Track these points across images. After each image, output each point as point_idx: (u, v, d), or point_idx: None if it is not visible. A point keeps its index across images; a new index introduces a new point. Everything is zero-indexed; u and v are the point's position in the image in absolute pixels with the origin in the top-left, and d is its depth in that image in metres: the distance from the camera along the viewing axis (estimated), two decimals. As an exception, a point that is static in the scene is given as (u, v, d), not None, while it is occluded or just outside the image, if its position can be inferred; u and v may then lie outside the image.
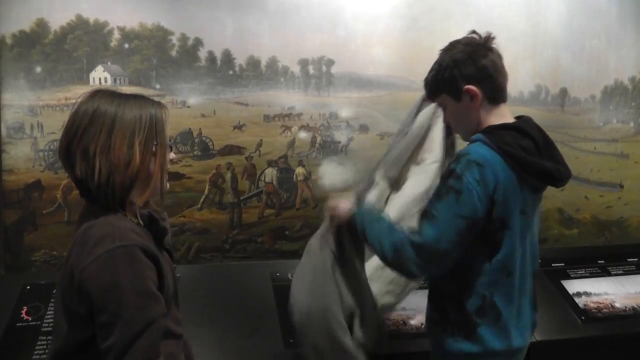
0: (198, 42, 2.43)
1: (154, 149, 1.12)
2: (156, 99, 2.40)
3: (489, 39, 1.43)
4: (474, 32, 1.45)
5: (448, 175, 1.35)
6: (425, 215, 1.37)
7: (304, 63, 2.58)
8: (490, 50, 1.42)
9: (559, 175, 1.38)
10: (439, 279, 1.49)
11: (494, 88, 1.42)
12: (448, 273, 1.42)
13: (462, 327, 1.42)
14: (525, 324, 1.48)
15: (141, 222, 1.13)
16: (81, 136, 1.07)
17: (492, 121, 1.41)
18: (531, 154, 1.36)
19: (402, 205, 1.52)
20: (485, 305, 1.40)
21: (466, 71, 1.40)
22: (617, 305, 2.44)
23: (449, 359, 1.48)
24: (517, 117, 1.48)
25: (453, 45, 1.45)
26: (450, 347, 1.44)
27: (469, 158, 1.33)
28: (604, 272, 2.67)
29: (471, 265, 1.40)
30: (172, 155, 1.21)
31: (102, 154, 1.06)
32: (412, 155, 1.59)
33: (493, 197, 1.31)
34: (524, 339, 1.47)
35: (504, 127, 1.39)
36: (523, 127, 1.40)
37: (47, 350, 1.89)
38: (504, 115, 1.44)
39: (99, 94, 1.13)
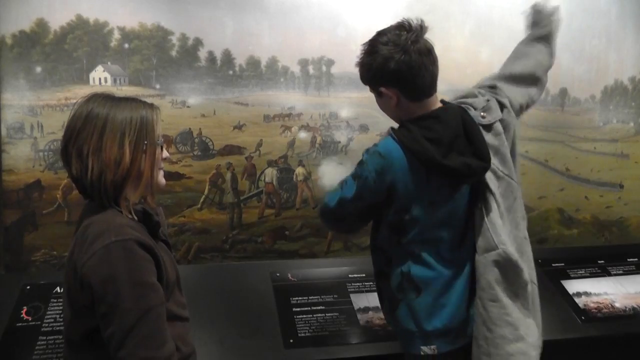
0: (198, 42, 2.43)
1: (144, 148, 1.19)
2: (156, 99, 2.45)
3: (416, 34, 1.40)
4: (403, 23, 1.44)
5: (360, 162, 1.47)
6: (340, 183, 1.53)
7: (304, 63, 2.58)
8: (409, 49, 1.37)
9: (467, 171, 1.39)
10: (373, 254, 1.64)
11: (412, 88, 1.41)
12: (375, 251, 1.61)
13: (390, 303, 1.55)
14: (458, 305, 1.50)
15: (135, 217, 1.20)
16: (76, 137, 1.16)
17: (417, 113, 1.45)
18: (441, 145, 1.38)
19: None
20: (404, 281, 1.49)
21: (380, 74, 1.41)
22: (617, 305, 2.44)
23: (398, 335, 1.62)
24: (443, 104, 1.50)
25: (372, 44, 1.44)
26: (394, 325, 1.59)
27: (376, 149, 1.43)
28: (604, 272, 2.67)
29: (388, 244, 1.53)
30: (165, 153, 1.28)
31: (95, 154, 1.14)
32: None
33: (390, 188, 1.41)
34: (451, 320, 1.49)
35: (419, 118, 1.43)
36: (441, 115, 1.43)
37: (47, 350, 1.90)
38: (430, 108, 1.45)
39: (94, 97, 1.20)
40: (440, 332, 1.49)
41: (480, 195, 1.50)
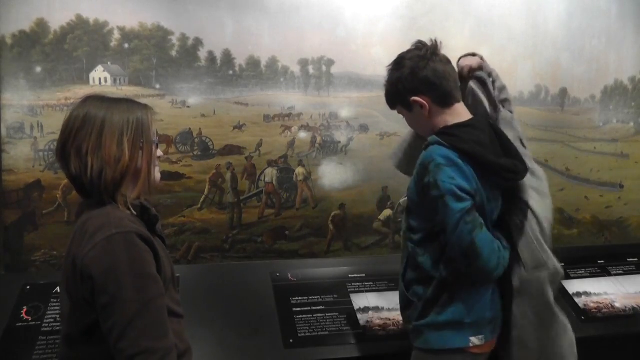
0: (198, 42, 2.43)
1: (141, 146, 1.22)
2: (156, 99, 2.45)
3: (434, 47, 1.53)
4: (419, 42, 1.56)
5: (427, 190, 1.44)
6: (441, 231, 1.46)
7: (304, 63, 2.58)
8: (432, 59, 1.50)
9: (515, 169, 1.49)
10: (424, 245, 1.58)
11: (441, 94, 1.52)
12: (432, 241, 1.54)
13: (442, 296, 1.55)
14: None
15: (134, 212, 1.22)
16: (74, 137, 1.18)
17: (449, 121, 1.53)
18: (485, 147, 1.46)
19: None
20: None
21: (410, 85, 1.52)
22: (617, 305, 2.44)
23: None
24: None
25: (398, 61, 1.57)
26: (437, 321, 1.55)
27: (435, 163, 1.43)
28: (604, 272, 2.67)
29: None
30: (159, 152, 1.32)
31: (94, 152, 1.17)
32: None
33: (471, 187, 1.42)
34: (498, 308, 1.60)
35: (459, 125, 1.51)
36: (476, 124, 1.52)
37: (47, 350, 1.90)
38: (459, 114, 1.54)
39: (90, 99, 1.23)
40: (491, 319, 1.56)
41: (517, 209, 1.59)
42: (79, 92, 2.32)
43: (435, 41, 1.54)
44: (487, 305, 1.55)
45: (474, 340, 1.52)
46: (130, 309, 1.07)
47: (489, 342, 1.57)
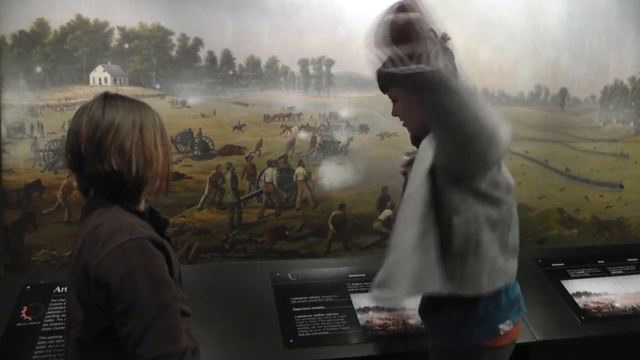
0: (198, 42, 2.43)
1: (163, 149, 1.23)
2: (156, 99, 2.45)
3: (444, 39, 1.49)
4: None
5: None
6: None
7: (304, 63, 2.58)
8: (446, 50, 1.48)
9: None
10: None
11: None
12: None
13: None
14: None
15: (145, 215, 1.23)
16: (115, 133, 1.16)
17: None
18: None
19: None
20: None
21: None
22: (617, 305, 2.44)
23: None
24: None
25: None
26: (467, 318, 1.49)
27: None
28: (604, 272, 2.67)
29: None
30: None
31: (137, 150, 1.17)
32: None
33: None
34: None
35: None
36: None
37: (47, 350, 1.90)
38: None
39: (118, 98, 1.21)
40: (514, 299, 1.53)
41: None
42: (79, 92, 2.32)
43: (445, 36, 1.52)
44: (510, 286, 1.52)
45: (504, 327, 1.49)
46: (148, 314, 1.08)
47: (517, 326, 1.53)
